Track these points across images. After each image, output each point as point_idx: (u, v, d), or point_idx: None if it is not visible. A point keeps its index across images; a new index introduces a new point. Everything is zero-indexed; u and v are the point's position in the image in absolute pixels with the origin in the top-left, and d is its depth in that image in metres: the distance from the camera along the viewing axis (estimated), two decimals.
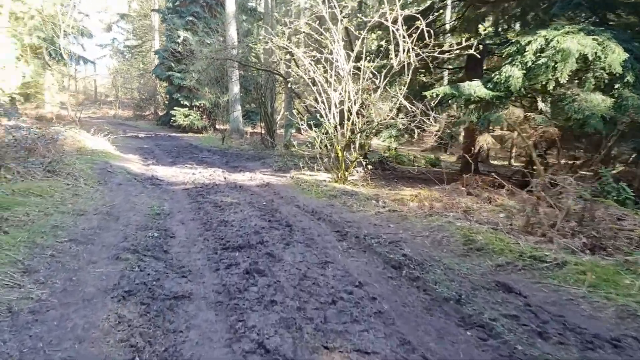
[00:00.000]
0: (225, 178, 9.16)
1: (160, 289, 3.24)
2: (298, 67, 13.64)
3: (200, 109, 22.40)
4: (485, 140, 8.97)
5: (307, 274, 3.75)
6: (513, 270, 4.00)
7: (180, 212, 5.86)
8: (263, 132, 18.00)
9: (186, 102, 21.58)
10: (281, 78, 16.69)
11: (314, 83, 8.48)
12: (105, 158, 9.74)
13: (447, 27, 12.06)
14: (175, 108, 21.50)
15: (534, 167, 7.62)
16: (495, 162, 18.16)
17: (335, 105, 8.23)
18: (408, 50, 7.53)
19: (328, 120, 8.25)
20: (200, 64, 13.74)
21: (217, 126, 23.22)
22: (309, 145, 9.05)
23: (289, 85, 14.26)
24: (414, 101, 7.79)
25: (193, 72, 14.69)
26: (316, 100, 8.37)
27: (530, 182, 5.63)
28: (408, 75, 7.51)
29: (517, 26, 11.68)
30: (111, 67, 40.59)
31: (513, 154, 17.33)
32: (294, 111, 17.89)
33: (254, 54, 16.80)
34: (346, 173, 8.41)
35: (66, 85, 24.21)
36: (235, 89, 19.15)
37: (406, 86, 7.69)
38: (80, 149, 9.81)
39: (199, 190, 7.54)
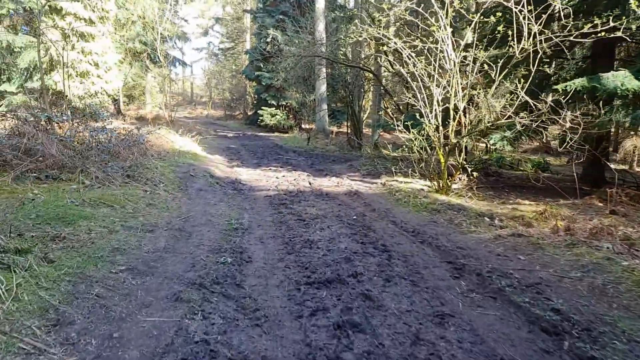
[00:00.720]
0: (310, 183, 8.35)
1: (226, 349, 2.39)
2: (390, 62, 12.51)
3: (287, 109, 22.13)
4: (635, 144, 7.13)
5: (421, 336, 2.69)
6: None
7: (260, 226, 5.08)
8: (349, 132, 17.09)
9: (273, 102, 21.42)
10: (370, 75, 15.65)
11: (413, 78, 7.31)
12: (191, 160, 9.43)
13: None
14: (262, 108, 21.44)
15: None
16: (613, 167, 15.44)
17: (438, 102, 7.00)
18: (534, 35, 6.07)
19: (428, 120, 7.04)
20: (289, 62, 13.18)
21: (303, 126, 22.81)
22: (404, 147, 7.92)
23: (380, 82, 13.17)
24: (533, 97, 6.32)
25: (281, 71, 14.19)
26: (415, 97, 7.21)
27: None
28: (534, 65, 6.06)
29: None
30: (206, 69, 42.45)
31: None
32: (383, 110, 16.76)
33: (342, 52, 15.95)
34: (448, 181, 7.15)
35: (165, 87, 25.37)
36: (322, 87, 18.45)
37: (529, 79, 6.22)
38: (168, 150, 9.62)
39: (282, 198, 6.78)
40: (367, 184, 8.56)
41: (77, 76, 16.42)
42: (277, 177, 8.92)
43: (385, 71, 13.90)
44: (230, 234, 4.53)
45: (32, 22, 17.40)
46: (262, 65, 21.80)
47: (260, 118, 21.37)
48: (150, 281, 3.01)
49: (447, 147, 7.00)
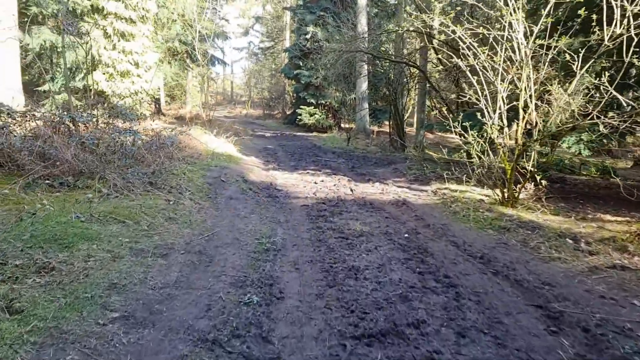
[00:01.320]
0: (352, 190, 7.49)
1: None
2: (440, 57, 11.44)
3: (326, 108, 21.33)
4: None
5: None
6: None
7: (295, 245, 4.27)
8: (391, 132, 16.08)
9: (312, 101, 20.68)
10: (415, 71, 14.58)
11: (473, 72, 6.29)
12: (225, 162, 8.79)
13: None
14: (301, 107, 20.75)
15: None
16: None
17: (503, 100, 5.95)
18: (628, 18, 4.93)
19: (491, 120, 6.00)
20: (329, 58, 12.35)
21: (342, 125, 21.93)
22: (460, 151, 6.90)
23: (427, 78, 12.10)
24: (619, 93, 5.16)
25: (321, 68, 13.39)
26: (476, 94, 6.17)
27: None
28: (628, 55, 4.92)
29: None
30: (246, 68, 42.41)
31: None
32: (429, 109, 15.64)
33: (384, 48, 14.95)
34: (515, 191, 6.08)
35: (205, 87, 25.22)
36: (364, 85, 17.51)
37: (621, 72, 5.09)
38: (201, 152, 9.03)
39: (321, 209, 5.95)
40: (415, 191, 7.60)
41: (117, 75, 16.29)
42: (315, 182, 8.11)
43: (433, 67, 12.82)
44: (260, 258, 3.74)
45: (76, 22, 17.53)
46: (301, 63, 21.10)
47: (299, 117, 20.69)
48: (149, 336, 2.26)
49: (515, 151, 5.93)
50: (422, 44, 13.62)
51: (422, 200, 6.82)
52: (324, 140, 17.08)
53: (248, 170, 8.61)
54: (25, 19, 15.48)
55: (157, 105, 21.28)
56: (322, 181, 8.28)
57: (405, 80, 14.91)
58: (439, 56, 11.47)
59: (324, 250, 4.15)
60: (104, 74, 16.24)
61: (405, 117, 20.73)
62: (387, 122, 23.14)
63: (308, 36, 20.20)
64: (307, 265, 3.74)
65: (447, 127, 7.89)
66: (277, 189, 7.39)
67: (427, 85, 13.25)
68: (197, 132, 10.77)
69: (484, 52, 5.94)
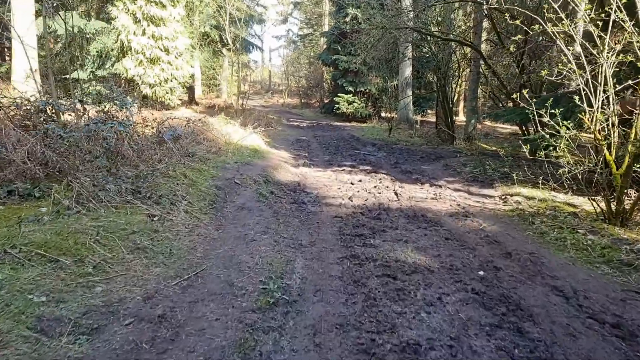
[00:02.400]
0: (396, 193, 5.96)
1: None
2: (499, 29, 9.61)
3: (365, 96, 19.62)
4: None
5: None
6: None
7: (319, 291, 2.83)
8: (437, 122, 14.26)
9: (351, 88, 19.03)
10: (467, 53, 12.68)
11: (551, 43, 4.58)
12: (248, 157, 7.46)
13: None
14: (339, 95, 19.16)
15: None
16: None
17: (607, 80, 4.22)
18: None
19: (595, 108, 4.29)
20: (371, 36, 10.72)
21: (382, 114, 20.17)
22: (527, 145, 5.21)
23: (484, 59, 10.24)
24: None
25: (361, 49, 11.78)
26: (571, 73, 4.45)
27: None
28: None
29: None
30: (284, 56, 41.19)
31: None
32: (488, 95, 13.73)
33: (432, 26, 13.07)
34: (625, 204, 4.35)
35: (236, 74, 24.11)
36: (407, 71, 15.72)
37: None
38: (221, 146, 7.75)
39: (359, 223, 4.48)
40: (477, 197, 5.96)
41: (147, 62, 15.34)
42: (352, 183, 6.63)
43: (492, 47, 10.90)
44: (259, 325, 2.32)
45: (105, 7, 16.67)
46: (339, 48, 19.45)
47: (336, 106, 19.13)
48: None
49: (632, 151, 4.19)
50: (476, 22, 11.72)
51: (488, 210, 5.19)
52: (362, 131, 15.48)
53: (274, 167, 7.24)
54: (55, 3, 14.79)
55: (191, 94, 20.35)
56: (360, 181, 6.79)
57: (455, 63, 13.04)
58: (502, 29, 9.61)
59: (361, 304, 2.69)
60: (133, 60, 15.39)
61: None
62: (430, 111, 21.20)
63: (347, 18, 18.51)
64: (334, 338, 2.29)
65: (507, 115, 6.20)
66: (305, 192, 5.98)
67: (483, 67, 11.35)
68: (220, 122, 9.51)
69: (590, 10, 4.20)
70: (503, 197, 5.73)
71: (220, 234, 3.67)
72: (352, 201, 5.52)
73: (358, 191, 6.09)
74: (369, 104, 19.75)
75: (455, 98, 19.21)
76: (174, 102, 16.08)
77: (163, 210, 3.72)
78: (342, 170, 7.73)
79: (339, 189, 6.26)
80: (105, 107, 4.95)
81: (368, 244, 3.83)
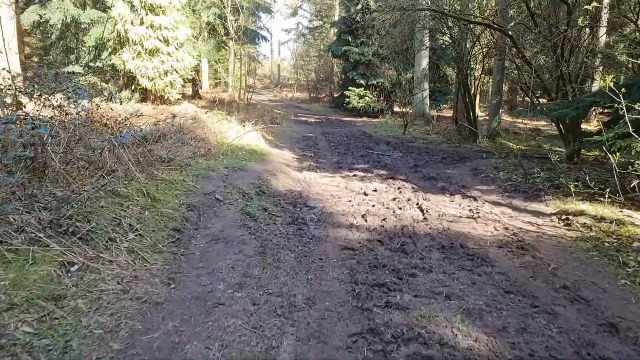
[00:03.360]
0: (422, 209, 4.64)
1: None
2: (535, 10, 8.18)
3: (377, 89, 18.16)
4: None
5: None
6: None
7: None
8: (456, 117, 12.85)
9: (362, 81, 17.58)
10: (493, 41, 11.20)
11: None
12: (242, 160, 6.21)
13: None
14: (349, 88, 17.74)
15: None
16: None
17: None
18: None
19: None
20: (386, 22, 9.34)
21: (395, 109, 18.73)
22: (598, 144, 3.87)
23: (516, 46, 8.78)
24: None
25: (375, 37, 10.42)
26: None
27: None
28: None
29: None
30: (293, 50, 39.84)
31: None
32: (523, 88, 12.26)
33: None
34: None
35: (246, 67, 22.83)
36: (424, 62, 14.27)
37: None
38: (212, 146, 6.50)
39: (377, 261, 3.18)
40: (524, 213, 4.61)
41: (145, 54, 14.12)
42: (365, 194, 5.32)
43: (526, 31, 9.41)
44: None
45: None
46: (350, 39, 18.02)
47: (347, 100, 17.72)
48: None
49: None
50: (504, 4, 10.21)
51: (549, 238, 3.84)
52: (375, 127, 14.10)
53: (272, 172, 5.96)
54: None
55: (194, 88, 19.13)
56: (376, 191, 5.47)
57: (478, 51, 11.58)
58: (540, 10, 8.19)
59: None
60: (130, 52, 14.19)
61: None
62: (447, 106, 19.69)
63: (359, 7, 17.07)
64: None
65: (559, 110, 4.83)
66: (308, 206, 4.69)
67: (512, 56, 9.86)
68: (215, 118, 8.25)
69: None
70: (562, 216, 4.37)
71: (171, 294, 2.40)
72: (366, 221, 4.22)
73: (373, 205, 4.79)
74: (381, 98, 18.33)
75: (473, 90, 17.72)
76: (175, 96, 14.86)
77: (92, 251, 2.48)
78: (354, 175, 6.41)
79: (350, 201, 4.97)
80: (47, 99, 3.69)
81: (393, 302, 2.53)
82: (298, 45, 39.75)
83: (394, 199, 5.09)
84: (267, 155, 7.30)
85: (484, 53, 11.18)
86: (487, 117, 13.04)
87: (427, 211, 4.59)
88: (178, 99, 15.61)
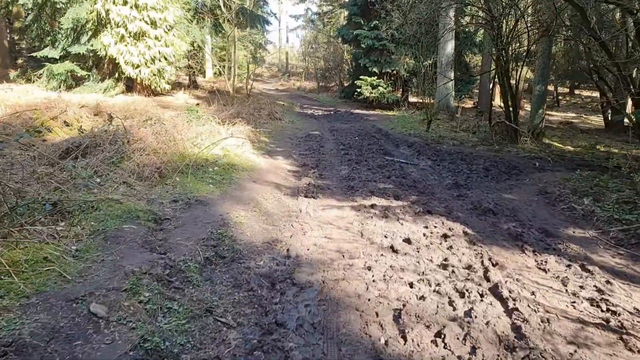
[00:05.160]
0: (502, 300, 2.42)
1: None
2: None
3: (392, 78, 15.74)
4: None
5: None
6: None
7: None
8: (490, 111, 10.47)
9: (375, 69, 15.17)
10: (544, 17, 8.75)
11: None
12: (206, 184, 4.05)
13: None
14: (360, 77, 15.35)
15: None
16: None
17: None
18: None
19: None
20: None
21: (411, 99, 16.30)
22: None
23: (587, 24, 6.38)
24: None
25: (393, 14, 8.06)
26: None
27: None
28: None
29: None
30: (302, 37, 37.37)
31: None
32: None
33: None
34: None
35: (233, 50, 20.56)
36: (449, 47, 11.84)
37: None
38: (169, 160, 4.33)
39: None
40: None
41: (129, 38, 11.91)
42: (393, 250, 3.11)
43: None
44: None
45: None
46: (362, 21, 15.58)
47: (358, 91, 15.36)
48: None
49: None
50: None
51: None
52: (390, 122, 11.78)
53: (249, 203, 3.78)
54: None
55: (191, 76, 16.93)
56: (409, 242, 3.26)
57: (523, 29, 9.14)
58: None
59: None
60: (112, 35, 12.02)
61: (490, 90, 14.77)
62: (467, 97, 17.20)
63: None
64: None
65: None
66: (296, 284, 2.53)
67: (576, 34, 7.43)
68: (191, 116, 6.06)
69: None
70: None
71: None
72: (405, 338, 2.04)
73: (411, 285, 2.59)
74: (397, 88, 15.93)
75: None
76: (163, 86, 12.63)
77: None
78: (372, 206, 4.18)
79: (369, 269, 2.78)
80: None
81: None
82: (307, 32, 37.17)
83: (444, 266, 2.89)
84: (251, 169, 5.11)
85: (530, 33, 8.73)
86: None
87: (514, 306, 2.37)
88: (170, 90, 13.41)
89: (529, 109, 10.56)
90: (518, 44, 9.15)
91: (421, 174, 5.79)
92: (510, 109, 8.83)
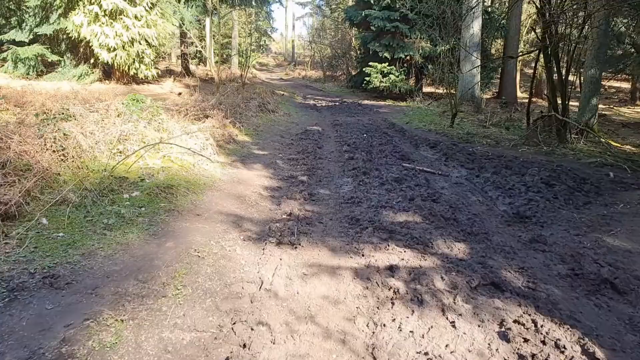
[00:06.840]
0: None
1: None
2: None
3: (405, 65, 13.63)
4: None
5: None
6: None
7: None
8: (527, 107, 8.41)
9: (386, 54, 13.08)
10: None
11: None
12: (94, 235, 2.17)
13: None
14: (370, 64, 13.29)
15: None
16: None
17: None
18: None
19: None
20: None
21: (425, 89, 14.20)
22: None
23: None
24: None
25: None
26: None
27: None
28: None
29: None
30: (309, 25, 35.25)
31: None
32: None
33: None
34: None
35: (218, 31, 18.59)
36: (475, 26, 9.76)
37: None
38: (52, 185, 2.47)
39: None
40: None
41: (104, 17, 10.01)
42: None
43: None
44: None
45: None
46: (372, 1, 13.45)
47: (367, 79, 13.32)
48: None
49: None
50: None
51: None
52: (405, 115, 9.78)
53: (152, 278, 1.91)
54: None
55: (184, 63, 15.04)
56: None
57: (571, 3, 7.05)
58: None
59: None
60: (85, 14, 10.17)
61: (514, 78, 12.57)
62: (490, 86, 15.01)
63: None
64: None
65: None
66: None
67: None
68: (127, 110, 4.16)
69: None
70: None
71: None
72: None
73: None
74: (410, 75, 13.87)
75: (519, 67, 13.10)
76: (145, 73, 10.73)
77: None
78: (389, 268, 2.29)
79: None
80: None
81: None
82: (314, 20, 35.02)
83: None
84: (202, 191, 3.23)
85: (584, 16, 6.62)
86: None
87: None
88: (156, 77, 11.52)
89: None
90: (572, 17, 7.03)
91: (457, 193, 3.87)
92: (559, 100, 6.80)
